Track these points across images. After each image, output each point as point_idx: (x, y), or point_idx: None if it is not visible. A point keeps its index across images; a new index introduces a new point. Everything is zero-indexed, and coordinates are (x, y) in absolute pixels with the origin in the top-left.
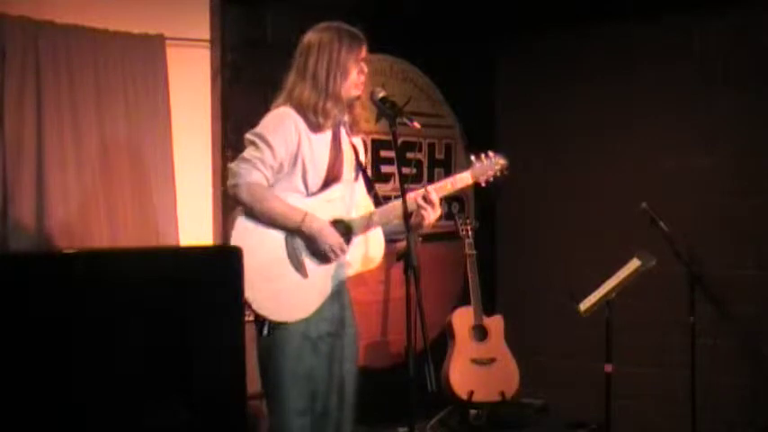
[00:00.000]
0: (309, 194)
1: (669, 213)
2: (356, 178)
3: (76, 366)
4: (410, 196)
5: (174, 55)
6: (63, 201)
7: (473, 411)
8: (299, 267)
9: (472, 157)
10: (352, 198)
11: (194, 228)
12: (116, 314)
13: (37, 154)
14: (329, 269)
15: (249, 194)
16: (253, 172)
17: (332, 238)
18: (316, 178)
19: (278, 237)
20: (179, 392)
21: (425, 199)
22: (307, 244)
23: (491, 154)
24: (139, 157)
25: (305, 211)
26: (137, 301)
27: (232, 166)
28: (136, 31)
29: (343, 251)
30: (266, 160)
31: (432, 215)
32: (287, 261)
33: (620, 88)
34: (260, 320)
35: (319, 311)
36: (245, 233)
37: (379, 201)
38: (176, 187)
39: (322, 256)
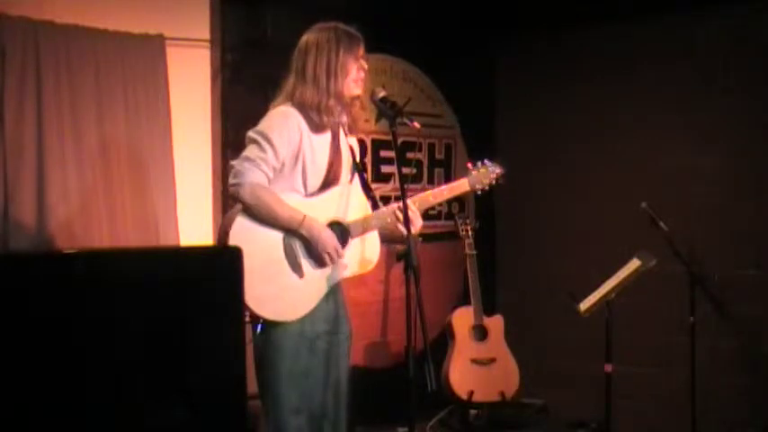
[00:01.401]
0: (308, 195)
1: (669, 213)
2: (351, 180)
3: (76, 366)
4: (391, 207)
5: (174, 55)
6: (63, 200)
7: (473, 411)
8: (296, 268)
9: (469, 165)
10: (348, 200)
11: (194, 228)
12: (116, 314)
13: (37, 154)
14: (325, 270)
15: (251, 195)
16: (256, 172)
17: (329, 241)
18: (315, 179)
19: (276, 237)
20: (179, 392)
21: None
22: (305, 246)
23: (488, 162)
24: (139, 157)
25: (304, 213)
26: (137, 301)
27: (235, 164)
28: (136, 31)
29: (339, 255)
30: (269, 160)
31: (412, 228)
32: (284, 261)
33: (620, 88)
34: (254, 319)
35: (315, 311)
36: (244, 232)
37: (376, 203)
38: (176, 187)
39: (319, 258)
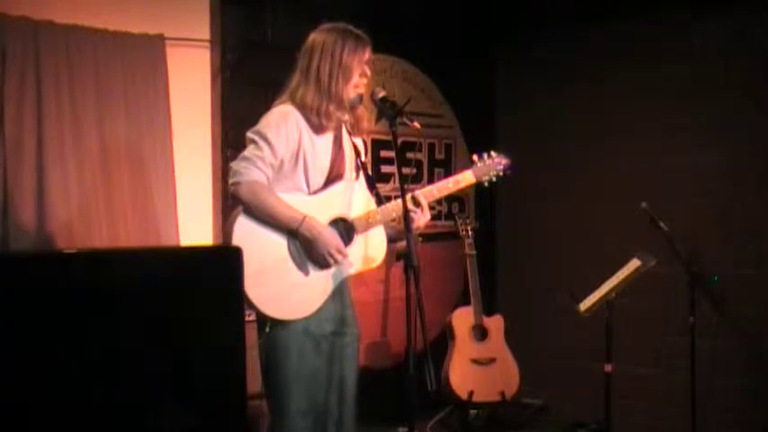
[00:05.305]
0: (311, 193)
1: (669, 213)
2: (357, 177)
3: (76, 366)
4: (397, 203)
5: (174, 55)
6: (63, 201)
7: (473, 411)
8: (302, 266)
9: (474, 157)
10: (352, 196)
11: (194, 228)
12: (116, 314)
13: (37, 154)
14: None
15: (250, 193)
16: (253, 171)
17: (330, 242)
18: (317, 177)
19: (280, 235)
20: (179, 392)
21: (415, 202)
22: (304, 248)
23: (493, 154)
24: (139, 157)
25: (304, 213)
26: (137, 302)
27: (233, 164)
28: (136, 31)
29: (342, 254)
30: (266, 158)
31: (420, 219)
32: (289, 259)
33: (620, 88)
34: (262, 319)
35: (321, 310)
36: (247, 232)
37: (380, 199)
38: (176, 187)
39: (320, 261)
